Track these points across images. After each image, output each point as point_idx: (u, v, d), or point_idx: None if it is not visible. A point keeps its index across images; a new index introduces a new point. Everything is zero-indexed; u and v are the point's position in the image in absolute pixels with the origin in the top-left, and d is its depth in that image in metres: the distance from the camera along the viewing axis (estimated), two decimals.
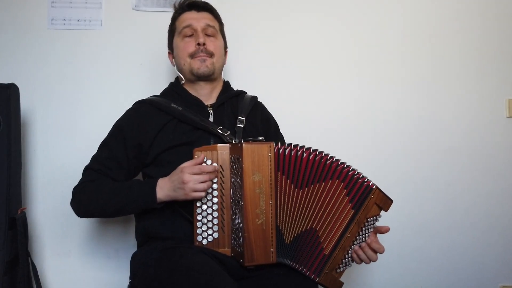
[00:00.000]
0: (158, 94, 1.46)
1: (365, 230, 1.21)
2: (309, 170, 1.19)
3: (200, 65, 1.36)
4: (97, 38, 1.74)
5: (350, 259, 1.23)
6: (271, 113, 1.55)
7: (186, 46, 1.38)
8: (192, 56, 1.37)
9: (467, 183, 1.86)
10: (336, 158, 1.21)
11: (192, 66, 1.37)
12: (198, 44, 1.37)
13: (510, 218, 1.87)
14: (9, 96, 1.46)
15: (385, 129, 1.84)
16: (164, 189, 1.21)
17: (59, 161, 1.69)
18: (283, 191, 1.19)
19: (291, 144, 1.20)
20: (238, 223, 1.16)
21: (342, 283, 1.23)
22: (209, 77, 1.39)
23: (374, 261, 1.22)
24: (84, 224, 1.70)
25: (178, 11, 1.44)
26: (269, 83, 1.80)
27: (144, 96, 1.44)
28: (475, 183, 1.86)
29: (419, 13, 1.87)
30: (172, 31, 1.46)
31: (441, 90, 1.87)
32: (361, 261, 1.23)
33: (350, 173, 1.19)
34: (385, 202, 1.22)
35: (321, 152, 1.20)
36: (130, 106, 1.42)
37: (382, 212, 1.23)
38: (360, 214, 1.18)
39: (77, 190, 1.32)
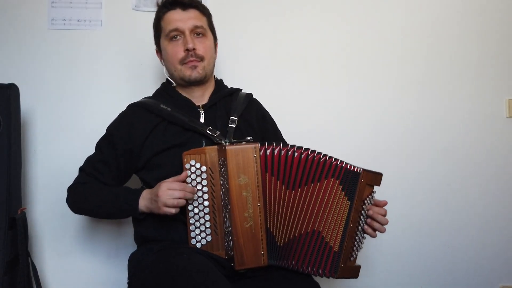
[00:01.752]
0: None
1: (365, 211, 1.22)
2: (301, 170, 1.18)
3: (191, 72, 1.33)
4: (97, 38, 1.74)
5: (360, 242, 1.23)
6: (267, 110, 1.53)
7: (175, 51, 1.33)
8: (182, 62, 1.33)
9: (467, 183, 1.85)
10: (324, 153, 1.19)
11: (184, 73, 1.34)
12: (187, 49, 1.31)
13: (510, 218, 1.86)
14: (9, 96, 1.46)
15: (384, 129, 1.84)
16: (145, 200, 1.22)
17: (59, 161, 1.69)
18: (273, 193, 1.17)
19: (279, 144, 1.18)
20: (228, 226, 1.16)
21: (359, 267, 1.23)
22: (201, 82, 1.37)
23: (386, 224, 1.23)
24: (84, 224, 1.70)
25: (163, 10, 1.36)
26: (265, 81, 1.80)
27: (144, 96, 1.44)
28: (475, 183, 1.86)
29: (418, 13, 1.86)
30: (157, 30, 1.39)
31: (441, 90, 1.86)
32: (375, 230, 1.24)
33: (339, 165, 1.18)
34: (375, 179, 1.22)
35: (313, 151, 1.19)
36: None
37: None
38: (356, 201, 1.18)
39: (70, 190, 1.35)
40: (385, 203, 1.25)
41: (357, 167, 1.19)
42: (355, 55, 1.84)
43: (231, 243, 1.14)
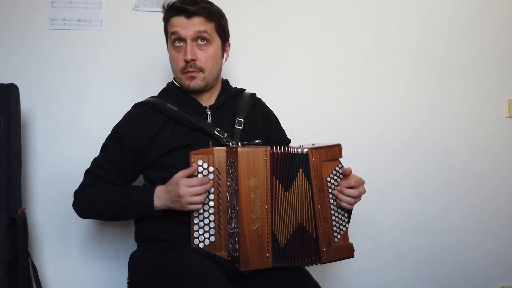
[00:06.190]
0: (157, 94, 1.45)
1: (334, 188, 1.22)
2: (288, 168, 1.19)
3: (190, 82, 1.32)
4: (97, 38, 1.74)
5: (341, 221, 1.23)
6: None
7: (176, 59, 1.32)
8: (182, 72, 1.32)
9: (467, 183, 1.86)
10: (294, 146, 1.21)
11: (183, 82, 1.33)
12: (186, 60, 1.29)
13: (510, 218, 1.87)
14: (9, 96, 1.46)
15: (385, 129, 1.84)
16: (161, 198, 1.21)
17: (59, 161, 1.69)
18: (276, 195, 1.18)
19: (285, 147, 1.19)
20: (234, 227, 1.16)
21: (350, 245, 1.23)
22: (202, 91, 1.36)
23: (354, 195, 1.21)
24: (84, 224, 1.70)
25: (168, 14, 1.33)
26: (269, 82, 1.80)
27: (144, 96, 1.44)
28: (475, 183, 1.86)
29: (418, 14, 1.87)
30: (166, 32, 1.38)
31: (441, 90, 1.86)
32: (349, 204, 1.23)
33: (292, 152, 1.19)
34: (331, 153, 1.22)
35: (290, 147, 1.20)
36: (130, 106, 1.41)
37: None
38: (314, 181, 1.19)
39: (77, 194, 1.33)
40: (350, 171, 1.23)
41: (306, 149, 1.20)
42: (355, 56, 1.84)
43: (237, 244, 1.14)
